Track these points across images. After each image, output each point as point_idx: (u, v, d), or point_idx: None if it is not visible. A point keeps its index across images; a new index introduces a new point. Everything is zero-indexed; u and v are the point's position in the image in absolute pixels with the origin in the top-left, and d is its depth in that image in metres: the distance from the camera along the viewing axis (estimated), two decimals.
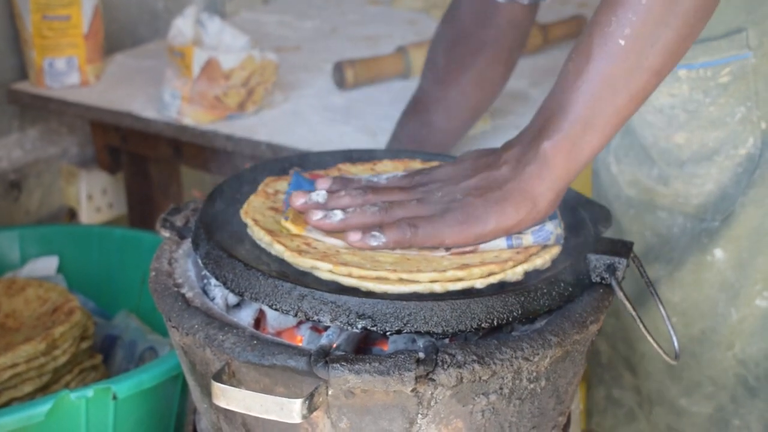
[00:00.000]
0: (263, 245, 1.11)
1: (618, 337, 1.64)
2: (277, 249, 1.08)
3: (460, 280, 1.05)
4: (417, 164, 1.29)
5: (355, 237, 1.09)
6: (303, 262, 1.06)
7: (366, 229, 1.09)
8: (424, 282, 1.04)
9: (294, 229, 1.11)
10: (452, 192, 1.12)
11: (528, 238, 1.11)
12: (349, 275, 1.04)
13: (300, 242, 1.10)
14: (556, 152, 1.08)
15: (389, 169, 1.28)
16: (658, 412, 1.60)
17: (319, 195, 1.14)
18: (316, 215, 1.11)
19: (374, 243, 1.09)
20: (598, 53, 1.06)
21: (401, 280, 1.04)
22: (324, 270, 1.05)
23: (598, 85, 1.06)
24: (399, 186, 1.16)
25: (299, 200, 1.14)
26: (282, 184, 1.23)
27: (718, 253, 1.46)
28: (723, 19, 1.35)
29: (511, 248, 1.10)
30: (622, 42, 1.04)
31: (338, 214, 1.11)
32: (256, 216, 1.15)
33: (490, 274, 1.06)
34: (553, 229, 1.12)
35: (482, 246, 1.10)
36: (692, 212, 1.49)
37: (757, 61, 1.39)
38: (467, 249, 1.10)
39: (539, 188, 1.09)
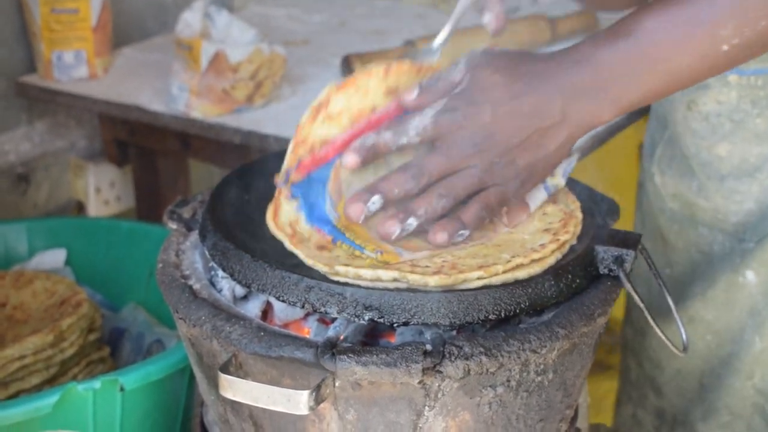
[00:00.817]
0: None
1: (644, 356, 1.61)
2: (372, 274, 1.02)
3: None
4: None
5: (442, 239, 1.05)
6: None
7: (444, 225, 1.05)
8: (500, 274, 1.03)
9: (391, 260, 1.04)
10: (511, 158, 1.06)
11: (560, 180, 1.12)
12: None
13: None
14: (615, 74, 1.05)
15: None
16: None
17: (375, 203, 1.06)
18: (394, 231, 1.05)
19: (460, 239, 1.06)
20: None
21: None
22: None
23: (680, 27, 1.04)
24: (449, 159, 1.06)
25: (360, 217, 1.06)
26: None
27: (750, 275, 1.43)
28: None
29: (549, 194, 1.12)
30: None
31: (413, 222, 1.06)
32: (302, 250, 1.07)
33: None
34: (574, 160, 1.13)
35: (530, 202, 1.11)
36: (731, 230, 1.44)
37: None
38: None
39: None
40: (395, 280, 1.01)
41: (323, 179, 1.11)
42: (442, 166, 1.06)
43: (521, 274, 1.04)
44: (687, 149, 1.47)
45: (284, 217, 1.11)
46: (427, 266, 1.03)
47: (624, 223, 1.21)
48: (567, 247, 1.10)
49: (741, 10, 1.01)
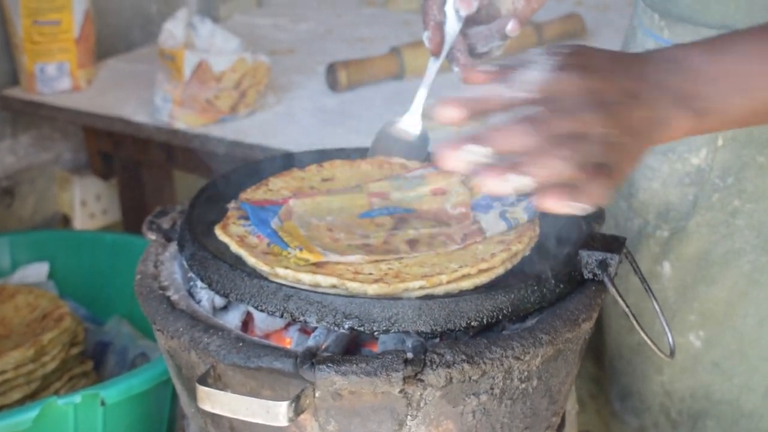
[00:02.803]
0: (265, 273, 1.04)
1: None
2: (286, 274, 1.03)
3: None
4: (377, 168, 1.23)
5: (554, 206, 0.88)
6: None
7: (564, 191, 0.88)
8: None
9: (312, 257, 1.04)
10: (622, 138, 0.90)
11: (522, 215, 1.11)
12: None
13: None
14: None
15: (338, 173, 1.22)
16: (606, 406, 1.59)
17: (483, 155, 0.87)
18: (504, 188, 0.87)
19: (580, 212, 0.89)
20: None
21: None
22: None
23: None
24: (574, 119, 0.89)
25: (457, 167, 0.88)
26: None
27: (666, 266, 1.40)
28: None
29: (509, 228, 1.10)
30: None
31: (528, 183, 0.87)
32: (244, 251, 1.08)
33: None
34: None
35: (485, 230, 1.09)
36: (637, 207, 1.41)
37: None
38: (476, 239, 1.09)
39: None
40: (333, 286, 1.01)
41: (275, 210, 1.14)
42: (568, 124, 0.88)
43: (466, 284, 1.02)
44: None
45: (233, 230, 1.12)
46: (370, 273, 1.02)
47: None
48: (519, 257, 1.08)
49: None
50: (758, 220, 1.34)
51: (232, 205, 1.16)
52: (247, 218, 1.13)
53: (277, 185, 1.20)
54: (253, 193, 1.18)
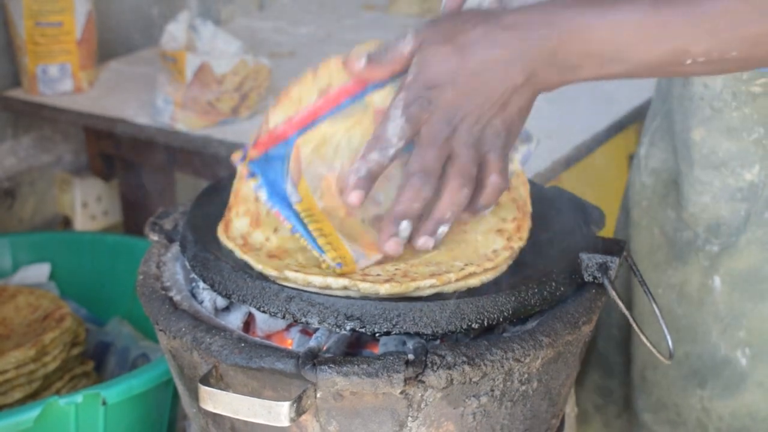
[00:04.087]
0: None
1: (599, 334, 1.61)
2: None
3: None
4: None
5: (427, 245, 1.04)
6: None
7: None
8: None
9: (347, 269, 1.02)
10: (486, 121, 1.04)
11: (518, 166, 1.13)
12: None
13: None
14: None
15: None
16: (625, 418, 1.58)
17: (406, 229, 1.04)
18: (430, 245, 1.05)
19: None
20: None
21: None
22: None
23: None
24: (437, 148, 1.03)
25: (399, 250, 1.04)
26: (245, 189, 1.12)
27: (717, 281, 1.39)
28: None
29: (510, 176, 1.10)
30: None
31: (445, 229, 1.05)
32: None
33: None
34: (532, 148, 1.12)
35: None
36: (687, 219, 1.42)
37: None
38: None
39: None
40: (345, 288, 1.00)
41: (282, 157, 1.07)
42: (436, 156, 1.03)
43: (474, 281, 1.03)
44: (675, 125, 1.43)
45: (236, 230, 1.10)
46: (378, 274, 1.02)
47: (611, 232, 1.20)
48: (518, 251, 1.09)
49: (718, 36, 1.01)
50: None
51: (237, 158, 1.10)
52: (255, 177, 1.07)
53: (277, 117, 1.11)
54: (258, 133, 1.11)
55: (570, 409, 1.25)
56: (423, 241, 1.04)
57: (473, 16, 1.05)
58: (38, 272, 1.75)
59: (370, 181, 1.04)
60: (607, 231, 1.21)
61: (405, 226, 1.03)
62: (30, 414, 1.26)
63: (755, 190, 1.35)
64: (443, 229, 1.05)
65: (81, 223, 2.30)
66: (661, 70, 1.09)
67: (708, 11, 1.00)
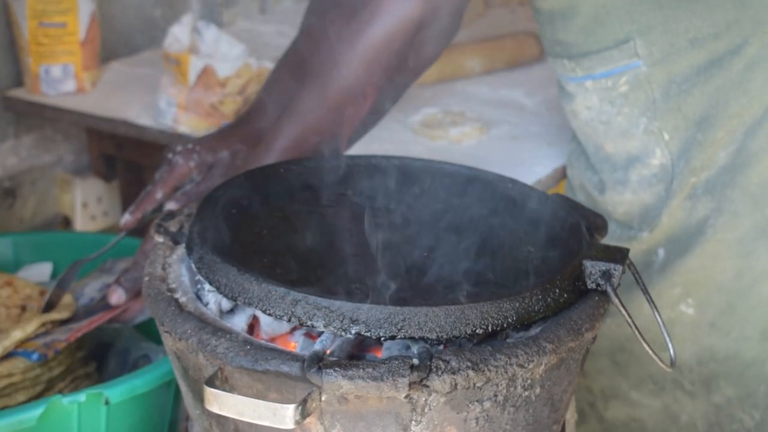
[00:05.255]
0: None
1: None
2: None
3: None
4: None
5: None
6: None
7: None
8: None
9: None
10: None
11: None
12: None
13: None
14: None
15: None
16: (615, 404, 1.64)
17: None
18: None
19: None
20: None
21: None
22: None
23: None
24: None
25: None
26: None
27: (661, 252, 1.52)
28: (609, 29, 1.42)
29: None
30: None
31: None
32: None
33: None
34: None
35: None
36: (622, 219, 1.55)
37: (648, 70, 1.43)
38: None
39: None
40: None
41: None
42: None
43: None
44: (588, 148, 1.58)
45: None
46: None
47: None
48: None
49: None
50: (711, 185, 1.46)
51: None
52: None
53: None
54: None
55: (570, 415, 1.26)
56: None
57: None
58: (41, 271, 1.75)
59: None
60: None
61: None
62: (33, 413, 1.26)
63: (666, 169, 1.48)
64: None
65: (81, 223, 2.31)
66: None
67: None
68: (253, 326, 1.12)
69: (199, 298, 1.14)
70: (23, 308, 1.56)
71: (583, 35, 1.45)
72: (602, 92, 1.48)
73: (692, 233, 1.49)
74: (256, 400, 0.96)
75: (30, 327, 1.45)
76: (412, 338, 1.01)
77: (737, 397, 1.51)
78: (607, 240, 1.48)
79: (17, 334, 1.44)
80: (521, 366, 1.00)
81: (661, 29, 1.42)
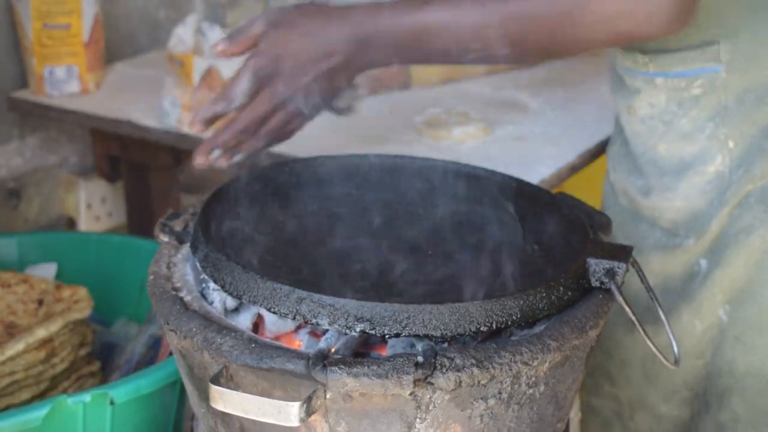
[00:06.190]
0: None
1: (595, 346, 1.65)
2: None
3: None
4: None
5: (200, 161, 1.40)
6: None
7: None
8: None
9: None
10: (299, 76, 1.35)
11: None
12: None
13: None
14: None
15: None
16: (641, 416, 1.63)
17: (216, 154, 1.40)
18: (202, 158, 1.40)
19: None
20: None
21: None
22: None
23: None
24: (255, 111, 1.36)
25: (205, 164, 1.40)
26: None
27: (704, 263, 1.49)
28: (699, 29, 1.37)
29: None
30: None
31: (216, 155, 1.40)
32: None
33: None
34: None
35: None
36: (667, 227, 1.51)
37: (727, 77, 1.40)
38: None
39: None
40: None
41: None
42: (266, 111, 1.37)
43: None
44: (635, 148, 1.54)
45: None
46: None
47: None
48: None
49: (486, 35, 1.27)
50: (766, 193, 1.42)
51: None
52: None
53: None
54: None
55: (574, 414, 1.26)
56: (219, 161, 1.40)
57: (320, 6, 1.36)
58: (45, 271, 1.75)
59: (209, 123, 1.42)
60: None
61: (216, 154, 1.40)
62: (38, 413, 1.26)
63: (722, 177, 1.44)
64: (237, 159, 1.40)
65: (85, 224, 2.31)
66: (449, 60, 1.37)
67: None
68: (257, 325, 1.12)
69: (204, 296, 1.14)
70: (40, 302, 1.57)
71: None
72: (672, 92, 1.44)
73: (736, 242, 1.45)
74: (261, 398, 0.96)
75: (54, 326, 1.46)
76: (416, 336, 1.01)
77: (748, 418, 1.48)
78: (651, 248, 1.49)
79: (41, 333, 1.45)
80: (525, 363, 1.01)
81: (748, 36, 1.38)
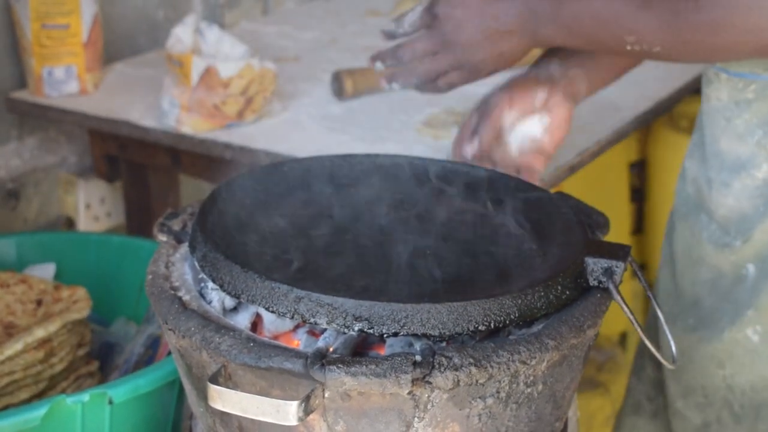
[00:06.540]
0: None
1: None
2: None
3: None
4: None
5: (377, 66, 1.57)
6: None
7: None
8: None
9: None
10: (471, 50, 1.47)
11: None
12: None
13: None
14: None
15: None
16: (665, 408, 1.65)
17: (379, 66, 1.58)
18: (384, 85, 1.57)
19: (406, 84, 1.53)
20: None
21: None
22: None
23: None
24: (426, 44, 1.49)
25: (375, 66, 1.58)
26: None
27: (751, 269, 1.49)
28: None
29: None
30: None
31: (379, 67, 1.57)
32: None
33: None
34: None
35: None
36: (721, 223, 1.51)
37: None
38: None
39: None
40: None
41: None
42: (422, 47, 1.49)
43: None
44: (706, 138, 1.54)
45: None
46: None
47: (615, 238, 1.21)
48: None
49: (642, 31, 1.34)
50: None
51: None
52: None
53: None
54: None
55: (573, 413, 1.26)
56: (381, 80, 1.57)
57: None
58: (44, 272, 1.75)
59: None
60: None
61: (378, 65, 1.56)
62: (37, 412, 1.27)
63: None
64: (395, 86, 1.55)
65: (84, 224, 2.31)
66: (610, 50, 1.42)
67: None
68: (256, 324, 1.12)
69: (202, 296, 1.14)
70: (39, 302, 1.57)
71: None
72: (732, 91, 1.46)
73: (764, 260, 1.46)
74: (260, 397, 0.97)
75: (52, 326, 1.47)
76: (414, 335, 1.01)
77: None
78: (707, 241, 1.49)
79: (39, 333, 1.45)
80: (523, 362, 1.01)
81: None
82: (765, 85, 1.41)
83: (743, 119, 1.44)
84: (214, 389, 0.98)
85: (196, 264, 1.13)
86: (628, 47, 1.35)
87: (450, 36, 1.45)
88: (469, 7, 1.43)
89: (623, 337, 2.94)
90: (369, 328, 1.00)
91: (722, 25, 1.28)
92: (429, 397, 0.99)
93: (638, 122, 2.05)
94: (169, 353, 1.31)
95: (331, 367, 0.96)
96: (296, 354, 0.99)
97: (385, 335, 1.01)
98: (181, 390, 1.39)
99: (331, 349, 1.02)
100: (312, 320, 1.02)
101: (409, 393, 0.98)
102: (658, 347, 1.14)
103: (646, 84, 2.16)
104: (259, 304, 1.04)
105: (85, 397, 1.30)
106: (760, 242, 1.46)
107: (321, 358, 0.97)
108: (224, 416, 1.08)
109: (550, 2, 1.39)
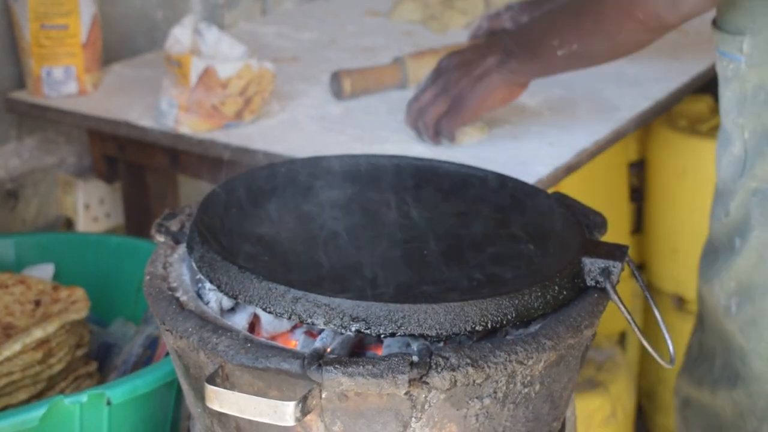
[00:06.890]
0: None
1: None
2: None
3: None
4: None
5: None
6: None
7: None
8: None
9: None
10: (458, 86, 1.75)
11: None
12: None
13: None
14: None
15: None
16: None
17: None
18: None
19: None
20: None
21: None
22: None
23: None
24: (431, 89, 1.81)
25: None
26: None
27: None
28: (733, 17, 1.46)
29: None
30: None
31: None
32: None
33: None
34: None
35: None
36: (716, 195, 1.59)
37: (746, 69, 1.45)
38: None
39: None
40: None
41: None
42: (426, 97, 1.81)
43: None
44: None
45: None
46: None
47: (614, 238, 1.21)
48: None
49: (563, 31, 1.60)
50: (763, 197, 1.48)
51: None
52: None
53: None
54: None
55: (570, 413, 1.26)
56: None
57: (484, 48, 1.76)
58: (43, 272, 1.75)
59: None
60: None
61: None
62: (35, 413, 1.27)
63: (740, 163, 1.51)
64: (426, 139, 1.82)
65: (83, 225, 2.31)
66: (548, 61, 1.68)
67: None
68: (253, 324, 1.12)
69: (200, 296, 1.14)
70: (37, 303, 1.57)
71: (719, 11, 1.51)
72: (720, 67, 1.53)
73: (742, 235, 1.51)
74: (257, 398, 0.97)
75: (51, 327, 1.47)
76: (412, 335, 1.02)
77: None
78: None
79: (38, 333, 1.45)
80: (521, 363, 1.01)
81: (767, 35, 1.44)
82: (737, 66, 1.47)
83: (725, 96, 1.51)
84: (211, 390, 0.98)
85: (194, 264, 1.13)
86: (558, 52, 1.61)
87: (447, 84, 1.75)
88: (462, 57, 1.75)
89: (622, 337, 2.94)
90: (366, 329, 1.01)
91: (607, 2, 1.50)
92: (426, 397, 0.99)
93: (637, 122, 2.05)
94: (167, 354, 1.31)
95: (328, 367, 0.96)
96: (293, 354, 0.99)
97: (382, 336, 1.01)
98: (180, 390, 1.39)
99: (328, 350, 1.02)
100: (309, 321, 1.02)
101: (406, 393, 0.98)
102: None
103: (645, 84, 2.16)
104: (256, 305, 1.05)
105: (84, 397, 1.30)
106: (733, 218, 1.53)
107: (318, 359, 0.97)
108: (222, 417, 1.08)
109: (518, 37, 1.70)
